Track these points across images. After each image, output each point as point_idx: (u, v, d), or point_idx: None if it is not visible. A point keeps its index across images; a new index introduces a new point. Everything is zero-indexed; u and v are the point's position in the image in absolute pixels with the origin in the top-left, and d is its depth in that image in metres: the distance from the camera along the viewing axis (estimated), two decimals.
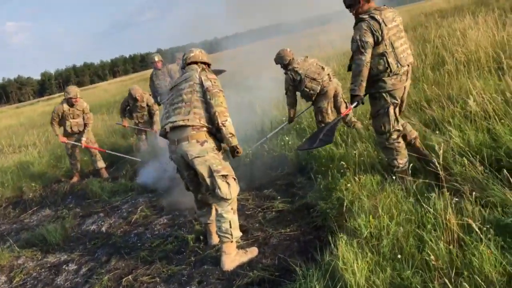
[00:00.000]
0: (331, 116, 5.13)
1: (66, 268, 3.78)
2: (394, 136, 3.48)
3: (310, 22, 14.21)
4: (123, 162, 6.91)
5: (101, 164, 6.78)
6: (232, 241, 3.09)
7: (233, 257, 3.07)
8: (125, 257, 3.66)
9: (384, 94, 3.44)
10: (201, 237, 3.60)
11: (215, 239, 3.40)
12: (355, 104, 3.47)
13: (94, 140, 6.87)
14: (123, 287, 3.17)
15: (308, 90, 5.12)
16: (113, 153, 6.96)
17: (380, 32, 3.27)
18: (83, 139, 6.49)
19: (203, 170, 3.05)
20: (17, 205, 6.27)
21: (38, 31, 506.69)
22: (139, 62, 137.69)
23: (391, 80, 3.39)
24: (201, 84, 3.13)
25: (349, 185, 3.51)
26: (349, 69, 3.64)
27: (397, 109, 3.49)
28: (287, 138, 5.30)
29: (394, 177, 3.36)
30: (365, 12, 3.38)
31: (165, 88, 7.39)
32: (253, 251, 3.20)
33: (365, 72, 3.33)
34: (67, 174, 7.18)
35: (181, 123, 3.06)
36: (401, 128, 3.51)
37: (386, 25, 3.29)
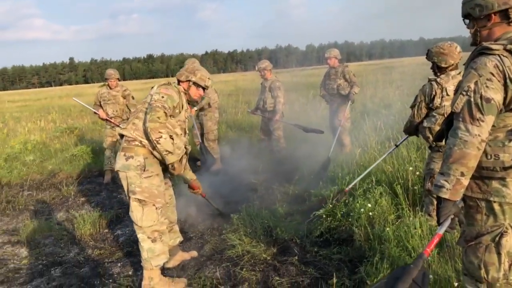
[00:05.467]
0: None
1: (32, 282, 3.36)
2: None
3: None
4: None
5: None
6: (152, 269, 2.99)
7: (152, 285, 2.99)
8: None
9: (498, 207, 1.71)
10: None
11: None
12: (447, 222, 1.74)
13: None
14: None
15: (426, 128, 3.36)
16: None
17: None
18: None
19: (124, 185, 3.00)
20: None
21: (314, 6, 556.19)
22: (397, 48, 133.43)
23: None
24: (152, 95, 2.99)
25: None
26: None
27: None
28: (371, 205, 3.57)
29: None
30: (498, 39, 1.70)
31: (333, 92, 6.42)
32: (179, 284, 3.08)
33: (475, 158, 1.65)
34: None
35: (119, 130, 3.07)
36: None
37: None
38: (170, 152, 2.89)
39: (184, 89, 3.20)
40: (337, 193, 4.12)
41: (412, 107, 3.51)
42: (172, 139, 2.96)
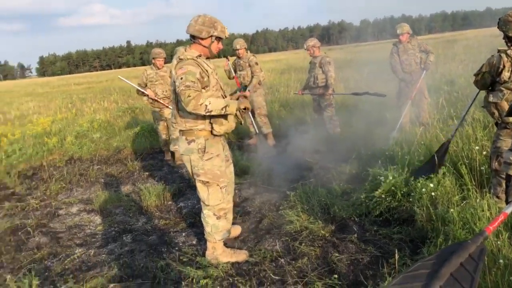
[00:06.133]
0: None
1: (107, 246, 3.72)
2: None
3: None
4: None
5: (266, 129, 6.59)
6: (215, 242, 3.17)
7: (215, 255, 3.18)
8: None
9: None
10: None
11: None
12: None
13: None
14: None
15: (491, 104, 3.18)
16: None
17: None
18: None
19: (188, 168, 3.07)
20: None
21: None
22: (461, 20, 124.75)
23: None
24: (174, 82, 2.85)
25: None
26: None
27: None
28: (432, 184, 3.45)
29: None
30: None
31: (416, 67, 6.24)
32: (241, 255, 3.20)
33: None
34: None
35: (174, 125, 3.08)
36: None
37: None
38: (224, 107, 2.78)
39: (205, 46, 2.93)
40: (441, 146, 4.04)
41: (476, 75, 3.33)
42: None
